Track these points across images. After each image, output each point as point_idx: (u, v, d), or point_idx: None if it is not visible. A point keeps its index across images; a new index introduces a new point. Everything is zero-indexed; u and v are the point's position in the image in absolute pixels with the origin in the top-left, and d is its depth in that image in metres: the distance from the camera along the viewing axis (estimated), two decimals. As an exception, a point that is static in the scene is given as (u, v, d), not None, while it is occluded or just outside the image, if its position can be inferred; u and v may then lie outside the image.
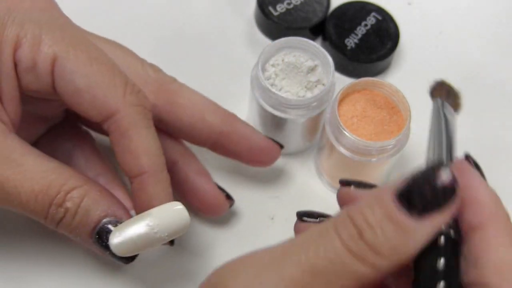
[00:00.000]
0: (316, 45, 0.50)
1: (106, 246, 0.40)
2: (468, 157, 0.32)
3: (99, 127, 0.43)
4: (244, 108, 0.55)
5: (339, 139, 0.48)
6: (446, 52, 0.61)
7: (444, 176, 0.28)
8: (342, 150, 0.48)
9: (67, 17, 0.46)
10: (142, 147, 0.41)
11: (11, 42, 0.40)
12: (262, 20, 0.59)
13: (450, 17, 0.63)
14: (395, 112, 0.49)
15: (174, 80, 0.48)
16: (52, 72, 0.40)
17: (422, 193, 0.28)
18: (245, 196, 0.53)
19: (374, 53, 0.57)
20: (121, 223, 0.40)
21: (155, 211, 0.40)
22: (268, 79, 0.49)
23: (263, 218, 0.52)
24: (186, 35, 0.60)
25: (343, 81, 0.57)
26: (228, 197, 0.50)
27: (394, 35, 0.58)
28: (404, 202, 0.29)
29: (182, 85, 0.48)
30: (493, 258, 0.29)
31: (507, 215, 0.30)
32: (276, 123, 0.51)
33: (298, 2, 0.59)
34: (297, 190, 0.54)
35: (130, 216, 0.41)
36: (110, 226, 0.40)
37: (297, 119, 0.50)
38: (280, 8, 0.59)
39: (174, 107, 0.47)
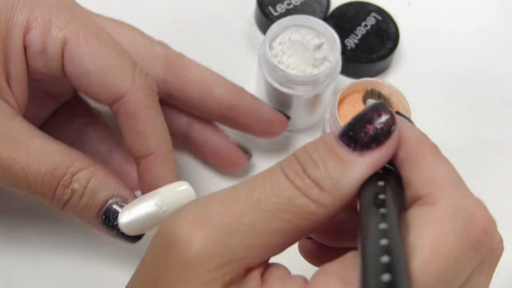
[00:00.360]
0: (322, 23, 0.51)
1: (112, 227, 0.41)
2: (397, 112, 0.33)
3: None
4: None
5: (339, 139, 0.48)
6: (446, 52, 0.61)
7: (383, 113, 0.30)
8: (342, 150, 0.48)
9: (75, 1, 0.47)
10: (149, 128, 0.42)
11: (21, 27, 0.41)
12: (262, 20, 0.59)
13: (450, 17, 0.63)
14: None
15: (182, 56, 0.49)
16: (62, 56, 0.41)
17: (362, 129, 0.30)
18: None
19: (374, 53, 0.57)
20: (127, 204, 0.41)
21: (163, 190, 0.41)
22: (275, 57, 0.51)
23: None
24: (186, 35, 0.60)
25: (343, 82, 0.58)
26: (246, 152, 0.52)
27: (394, 36, 0.58)
28: (346, 140, 0.30)
29: (190, 61, 0.49)
30: (422, 174, 0.30)
31: (433, 144, 0.32)
32: (283, 99, 0.52)
33: (298, 3, 0.59)
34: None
35: (136, 197, 0.42)
36: (116, 207, 0.41)
37: (303, 96, 0.51)
38: (280, 8, 0.59)
39: (183, 82, 0.48)
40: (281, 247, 0.30)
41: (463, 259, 0.28)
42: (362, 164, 0.30)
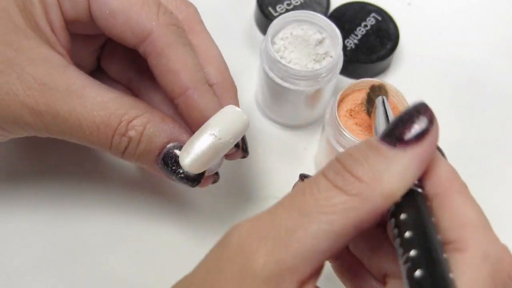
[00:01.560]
0: (323, 18, 0.51)
1: (172, 171, 0.42)
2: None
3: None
4: (244, 108, 0.55)
5: (339, 140, 0.48)
6: (446, 52, 0.61)
7: (422, 112, 0.31)
8: (342, 150, 0.48)
9: None
10: (180, 64, 0.42)
11: None
12: (262, 21, 0.59)
13: (450, 18, 0.63)
14: (395, 112, 0.49)
15: (202, 23, 0.47)
16: None
17: (403, 127, 0.31)
18: (245, 197, 0.53)
19: (374, 53, 0.57)
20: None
21: (212, 120, 0.41)
22: (277, 52, 0.51)
23: (263, 218, 0.52)
24: (186, 36, 0.60)
25: (343, 82, 0.58)
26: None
27: (394, 36, 0.58)
28: (388, 139, 0.31)
29: (206, 32, 0.47)
30: (452, 216, 0.30)
31: (463, 183, 0.32)
32: (284, 94, 0.52)
33: (298, 3, 0.59)
34: (297, 191, 0.54)
35: None
36: (175, 151, 0.41)
37: (305, 90, 0.51)
38: (280, 8, 0.59)
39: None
40: (329, 252, 0.30)
41: None
42: (404, 158, 0.30)
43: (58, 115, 0.40)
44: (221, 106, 0.43)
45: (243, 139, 0.46)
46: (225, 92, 0.44)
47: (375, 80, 0.49)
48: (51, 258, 0.49)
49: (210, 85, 0.44)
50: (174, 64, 0.42)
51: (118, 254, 0.49)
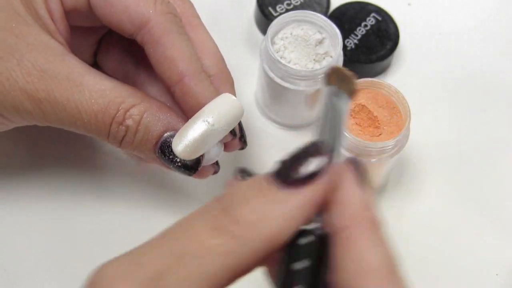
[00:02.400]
0: (324, 18, 0.51)
1: (170, 160, 0.42)
2: (351, 161, 0.31)
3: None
4: (244, 108, 0.55)
5: (338, 139, 0.48)
6: (446, 52, 0.61)
7: (317, 154, 0.29)
8: (342, 150, 0.48)
9: None
10: (177, 52, 0.42)
11: None
12: (262, 21, 0.59)
13: (450, 18, 0.63)
14: (395, 112, 0.49)
15: (198, 17, 0.47)
16: None
17: (293, 168, 0.29)
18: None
19: (374, 53, 0.57)
20: None
21: (206, 107, 0.41)
22: (277, 52, 0.51)
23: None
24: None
25: (343, 82, 0.58)
26: None
27: (394, 36, 0.58)
28: (276, 178, 0.29)
29: (202, 26, 0.47)
30: (352, 258, 0.28)
31: (373, 218, 0.30)
32: (284, 94, 0.52)
33: (298, 3, 0.59)
34: (297, 191, 0.54)
35: None
36: (171, 140, 0.41)
37: (305, 91, 0.51)
38: (280, 8, 0.59)
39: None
40: None
41: None
42: (290, 202, 0.28)
43: (57, 102, 0.40)
44: (215, 94, 0.43)
45: (241, 130, 0.46)
46: (222, 84, 0.44)
47: (374, 81, 0.49)
48: (50, 252, 0.49)
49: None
50: (171, 52, 0.42)
51: (117, 248, 0.49)
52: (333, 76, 0.35)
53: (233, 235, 0.28)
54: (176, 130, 0.42)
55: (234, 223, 0.28)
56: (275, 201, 0.28)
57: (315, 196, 0.29)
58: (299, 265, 0.29)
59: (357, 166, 0.31)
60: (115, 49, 0.48)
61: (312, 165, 0.29)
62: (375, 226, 0.29)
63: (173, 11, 0.43)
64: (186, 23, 0.45)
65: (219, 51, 0.46)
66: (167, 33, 0.42)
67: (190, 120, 0.42)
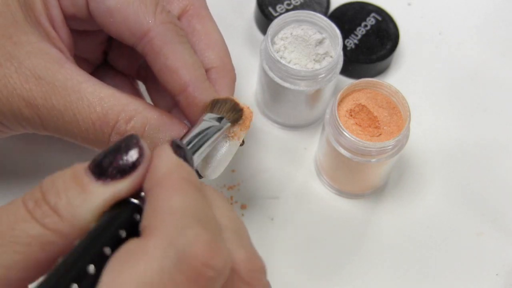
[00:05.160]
0: (324, 18, 0.51)
1: None
2: (172, 142, 0.33)
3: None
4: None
5: (338, 139, 0.48)
6: (446, 52, 0.61)
7: (132, 146, 0.31)
8: (342, 150, 0.48)
9: None
10: (179, 62, 0.41)
11: None
12: (262, 21, 0.59)
13: (450, 17, 0.63)
14: (395, 112, 0.49)
15: (207, 8, 0.47)
16: None
17: (109, 161, 0.30)
18: (245, 197, 0.53)
19: (374, 53, 0.57)
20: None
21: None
22: (277, 52, 0.51)
23: (263, 218, 0.52)
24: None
25: (343, 82, 0.58)
26: None
27: (394, 36, 0.58)
28: (93, 170, 0.30)
29: (210, 17, 0.47)
30: (150, 206, 0.29)
31: (181, 176, 0.30)
32: (284, 94, 0.52)
33: (298, 3, 0.59)
34: (297, 191, 0.54)
35: None
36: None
37: (305, 91, 0.51)
38: (280, 8, 0.59)
39: (189, 28, 0.46)
40: (23, 281, 0.29)
41: None
42: (102, 194, 0.29)
43: (54, 109, 0.39)
44: (218, 93, 0.43)
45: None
46: (222, 77, 0.44)
47: (374, 81, 0.49)
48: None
49: (208, 69, 0.43)
50: (173, 63, 0.41)
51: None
52: (211, 110, 0.41)
53: (53, 227, 0.29)
54: (179, 137, 0.41)
55: (54, 214, 0.29)
56: (90, 193, 0.29)
57: (129, 187, 0.30)
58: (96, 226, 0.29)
59: (176, 144, 0.32)
60: (126, 47, 0.48)
61: (129, 157, 0.30)
62: (184, 181, 0.30)
63: (173, 21, 0.43)
64: (194, 13, 0.45)
65: (225, 44, 0.45)
66: (167, 43, 0.41)
67: (210, 141, 0.40)
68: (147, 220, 0.29)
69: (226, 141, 0.41)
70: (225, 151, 0.41)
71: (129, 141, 0.31)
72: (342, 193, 0.54)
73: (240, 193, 0.53)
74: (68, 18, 0.43)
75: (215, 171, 0.42)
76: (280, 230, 0.52)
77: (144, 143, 0.31)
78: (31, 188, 0.30)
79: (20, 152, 0.53)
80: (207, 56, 0.44)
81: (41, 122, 0.40)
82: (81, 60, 0.48)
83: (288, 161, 0.55)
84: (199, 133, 0.39)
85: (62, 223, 0.29)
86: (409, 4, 0.64)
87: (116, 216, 0.30)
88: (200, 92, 0.42)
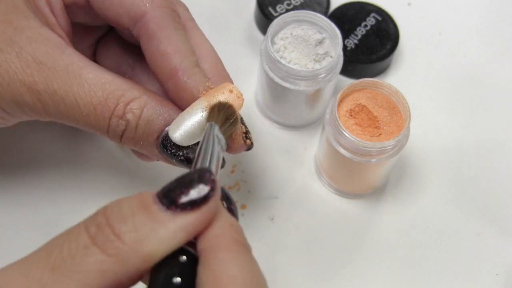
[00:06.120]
0: (324, 18, 0.51)
1: (172, 154, 0.41)
2: (223, 193, 0.33)
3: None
4: (244, 108, 0.55)
5: (338, 139, 0.48)
6: (446, 52, 0.61)
7: (205, 179, 0.30)
8: (342, 150, 0.48)
9: None
10: (171, 47, 0.41)
11: None
12: (262, 21, 0.59)
13: (450, 18, 0.63)
14: (395, 112, 0.49)
15: (193, 20, 0.47)
16: None
17: (180, 191, 0.30)
18: (244, 197, 0.53)
19: (374, 53, 0.57)
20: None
21: (203, 97, 0.41)
22: (277, 52, 0.51)
23: (263, 218, 0.52)
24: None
25: (343, 82, 0.58)
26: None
27: (394, 36, 0.58)
28: (163, 199, 0.29)
29: (197, 28, 0.47)
30: (208, 272, 0.29)
31: (235, 238, 0.30)
32: (284, 94, 0.52)
33: (298, 3, 0.59)
34: (297, 190, 0.54)
35: None
36: None
37: (305, 91, 0.51)
38: (280, 8, 0.59)
39: None
40: None
41: None
42: (173, 225, 0.29)
43: (56, 94, 0.39)
44: (208, 80, 0.42)
45: (247, 131, 0.45)
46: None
47: (374, 81, 0.49)
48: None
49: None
50: (165, 47, 0.41)
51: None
52: (213, 114, 0.40)
53: (115, 253, 0.28)
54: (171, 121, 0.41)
55: (117, 240, 0.28)
56: (158, 222, 0.29)
57: (199, 222, 0.29)
58: (175, 280, 0.29)
59: (228, 201, 0.32)
60: (113, 50, 0.48)
61: (200, 191, 0.30)
62: (238, 244, 0.30)
63: (170, 6, 0.43)
64: None
65: (216, 53, 0.45)
66: (162, 27, 0.41)
67: (188, 109, 0.41)
68: (207, 285, 0.28)
69: (201, 112, 0.41)
70: (198, 120, 0.40)
71: (203, 174, 0.30)
72: (342, 193, 0.54)
73: (240, 193, 0.53)
74: (67, 6, 0.43)
75: (183, 136, 0.41)
76: (280, 230, 0.52)
77: (216, 178, 0.30)
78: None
79: (16, 143, 0.53)
80: (202, 68, 0.43)
81: (42, 107, 0.40)
82: (86, 30, 0.48)
83: (288, 161, 0.55)
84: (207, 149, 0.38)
85: (124, 250, 0.28)
86: (409, 4, 0.64)
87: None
88: (189, 77, 0.41)
